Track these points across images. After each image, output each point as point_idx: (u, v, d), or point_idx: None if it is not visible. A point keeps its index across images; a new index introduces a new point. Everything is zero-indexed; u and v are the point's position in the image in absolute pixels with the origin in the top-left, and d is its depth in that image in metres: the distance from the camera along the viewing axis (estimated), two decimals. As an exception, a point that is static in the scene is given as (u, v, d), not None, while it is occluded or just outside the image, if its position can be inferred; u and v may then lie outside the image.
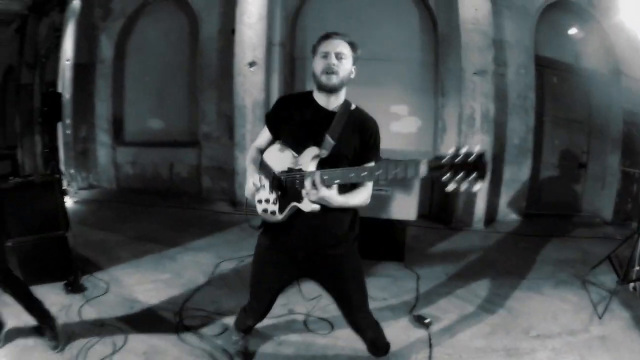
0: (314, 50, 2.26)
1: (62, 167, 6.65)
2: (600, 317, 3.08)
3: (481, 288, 3.55)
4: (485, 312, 3.23)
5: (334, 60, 2.19)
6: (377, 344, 2.55)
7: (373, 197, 3.85)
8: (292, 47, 5.79)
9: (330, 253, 2.30)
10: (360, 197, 2.22)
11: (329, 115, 2.23)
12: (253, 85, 5.59)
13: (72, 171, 6.66)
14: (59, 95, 6.37)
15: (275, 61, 5.65)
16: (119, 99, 6.85)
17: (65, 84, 6.68)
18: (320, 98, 2.26)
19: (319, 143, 2.16)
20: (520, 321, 3.11)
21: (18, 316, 3.36)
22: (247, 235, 5.14)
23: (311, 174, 2.05)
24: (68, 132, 6.66)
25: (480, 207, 4.96)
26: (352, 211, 2.31)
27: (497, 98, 4.96)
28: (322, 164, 2.16)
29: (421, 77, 5.36)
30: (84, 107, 6.71)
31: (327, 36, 2.23)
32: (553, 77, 5.33)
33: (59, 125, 6.70)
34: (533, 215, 5.12)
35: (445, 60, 5.21)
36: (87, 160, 6.82)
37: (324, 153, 2.15)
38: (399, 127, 5.50)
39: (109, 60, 6.71)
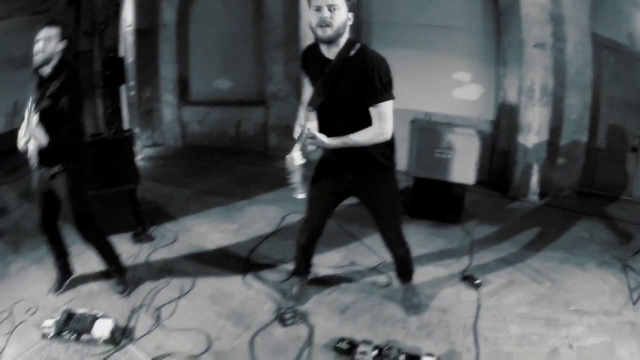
0: (308, 3, 2.39)
1: (126, 127, 6.96)
2: (634, 303, 3.12)
3: (531, 258, 3.65)
4: (532, 281, 3.35)
5: (326, 14, 2.33)
6: (405, 263, 2.98)
7: (434, 159, 4.12)
8: (357, 11, 5.80)
9: (366, 177, 2.64)
10: (362, 137, 2.46)
11: (328, 64, 2.47)
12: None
13: (136, 130, 6.97)
14: (122, 60, 6.65)
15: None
16: (184, 61, 7.01)
17: (127, 48, 6.91)
18: (323, 48, 2.48)
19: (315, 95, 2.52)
20: (563, 294, 3.21)
21: (84, 264, 3.68)
22: None
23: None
24: (132, 93, 6.93)
25: (536, 179, 4.99)
26: (385, 147, 2.58)
27: (555, 72, 4.90)
28: (320, 113, 2.52)
29: (483, 46, 5.33)
30: (147, 69, 6.94)
31: None
32: (609, 56, 5.20)
33: (122, 88, 7.00)
34: (585, 194, 5.09)
35: (506, 31, 5.16)
36: (151, 120, 7.06)
37: (310, 109, 2.52)
38: (462, 94, 5.50)
39: (172, 25, 6.87)
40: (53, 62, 3.03)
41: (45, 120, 2.98)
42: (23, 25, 8.23)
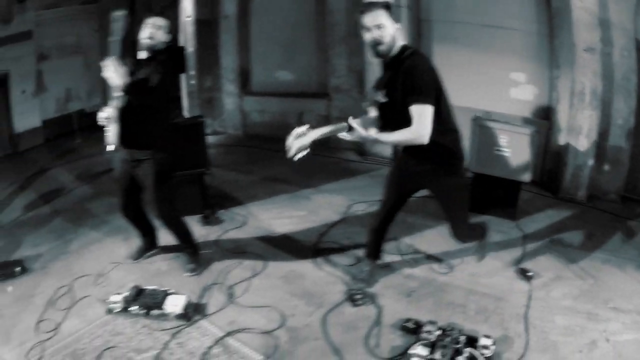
0: (359, 21, 2.68)
1: (186, 115, 7.06)
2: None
3: (577, 256, 3.82)
4: (577, 278, 3.51)
5: (376, 34, 2.62)
6: (477, 239, 3.39)
7: (492, 156, 4.35)
8: (417, 9, 5.94)
9: (432, 171, 2.89)
10: (397, 136, 2.69)
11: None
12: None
13: (196, 118, 7.23)
14: (182, 49, 6.82)
15: (402, 22, 5.72)
16: (245, 52, 7.17)
17: (187, 38, 7.06)
18: None
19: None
20: (603, 292, 3.34)
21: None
22: (376, 182, 5.19)
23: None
24: (192, 82, 7.13)
25: (584, 181, 5.09)
26: (449, 143, 2.83)
27: (603, 76, 4.95)
28: (381, 113, 2.83)
29: (537, 48, 5.41)
30: (208, 59, 7.16)
31: (363, 10, 2.64)
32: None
33: (182, 77, 7.12)
34: (628, 199, 5.09)
35: (558, 34, 5.19)
36: (212, 108, 7.29)
37: (366, 105, 2.88)
38: (518, 94, 5.59)
39: (233, 16, 7.03)
40: (157, 49, 3.21)
41: (133, 94, 3.07)
42: (73, 14, 8.51)
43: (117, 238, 4.12)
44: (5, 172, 6.06)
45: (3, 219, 4.67)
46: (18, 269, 3.64)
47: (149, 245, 3.80)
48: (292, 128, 2.80)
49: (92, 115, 8.02)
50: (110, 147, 3.15)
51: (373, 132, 2.69)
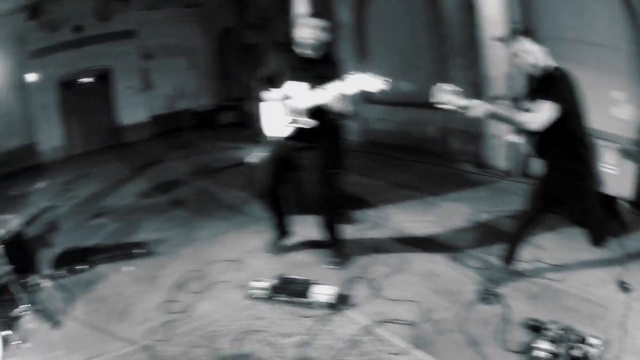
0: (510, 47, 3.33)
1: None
2: None
3: None
4: None
5: (523, 58, 3.28)
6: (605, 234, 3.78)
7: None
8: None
9: (571, 182, 3.46)
10: (512, 115, 3.22)
11: None
12: (498, 57, 6.04)
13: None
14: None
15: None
16: (364, 60, 7.45)
17: None
18: None
19: None
20: None
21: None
22: (495, 194, 5.73)
23: None
24: None
25: None
26: (581, 154, 3.41)
27: None
28: None
29: (631, 66, 5.54)
30: None
31: (509, 39, 3.29)
32: None
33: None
34: None
35: None
36: None
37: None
38: (618, 113, 5.69)
39: (349, 25, 7.36)
40: (320, 49, 3.55)
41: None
42: (178, 17, 9.01)
43: (250, 229, 4.53)
44: (111, 162, 6.55)
45: (115, 204, 5.12)
46: (139, 250, 3.87)
47: (283, 235, 4.17)
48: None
49: (200, 114, 8.81)
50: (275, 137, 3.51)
51: (494, 107, 3.28)
